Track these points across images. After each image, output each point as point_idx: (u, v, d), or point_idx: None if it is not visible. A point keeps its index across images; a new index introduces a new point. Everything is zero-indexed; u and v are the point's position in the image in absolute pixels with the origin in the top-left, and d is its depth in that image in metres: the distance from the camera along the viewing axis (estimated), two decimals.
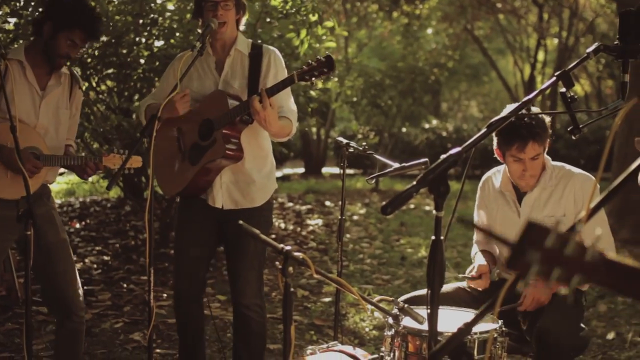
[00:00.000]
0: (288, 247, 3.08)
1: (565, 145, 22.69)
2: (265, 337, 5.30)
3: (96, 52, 8.68)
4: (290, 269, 3.06)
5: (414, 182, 2.59)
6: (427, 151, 22.81)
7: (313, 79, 4.63)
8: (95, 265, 9.17)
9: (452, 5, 23.33)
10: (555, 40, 29.11)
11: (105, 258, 9.61)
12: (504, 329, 3.85)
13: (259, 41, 6.86)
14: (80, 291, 5.08)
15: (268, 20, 8.51)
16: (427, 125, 26.15)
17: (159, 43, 8.70)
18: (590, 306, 7.94)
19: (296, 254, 3.11)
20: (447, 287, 4.79)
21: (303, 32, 7.98)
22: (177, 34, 8.46)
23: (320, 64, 4.58)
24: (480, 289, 4.66)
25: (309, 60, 4.68)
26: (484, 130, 2.85)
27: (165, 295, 7.87)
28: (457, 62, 23.89)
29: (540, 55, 30.14)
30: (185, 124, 5.06)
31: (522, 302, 4.47)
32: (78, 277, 5.10)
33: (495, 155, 4.70)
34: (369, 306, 3.75)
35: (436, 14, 20.14)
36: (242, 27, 5.15)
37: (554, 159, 4.75)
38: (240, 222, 3.27)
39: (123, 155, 5.00)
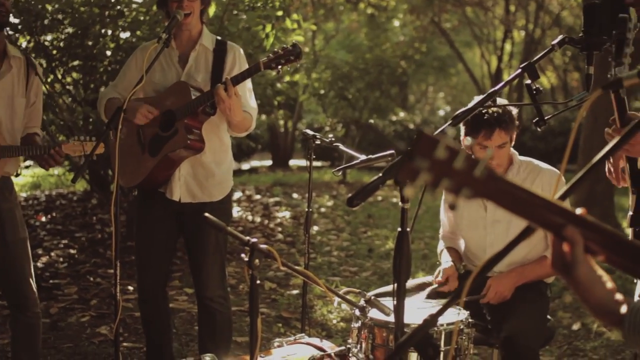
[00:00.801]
0: (254, 240, 3.08)
1: (531, 137, 22.83)
2: (231, 329, 5.30)
3: (61, 44, 8.60)
4: (257, 261, 3.05)
5: (380, 174, 2.60)
6: (395, 143, 22.86)
7: (279, 67, 4.62)
8: (61, 259, 9.09)
9: None
10: (522, 33, 29.25)
11: (72, 251, 9.54)
12: (470, 320, 3.86)
13: (226, 33, 6.84)
14: (35, 287, 5.04)
15: (235, 12, 8.48)
16: (394, 118, 26.19)
17: (125, 35, 8.64)
18: (556, 297, 8.00)
19: (262, 246, 3.10)
20: (414, 281, 4.81)
21: (268, 27, 7.96)
22: (143, 26, 8.39)
23: (287, 52, 4.58)
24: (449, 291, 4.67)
25: (275, 49, 4.67)
26: (449, 122, 2.85)
27: (132, 288, 7.82)
28: (424, 54, 23.94)
29: (507, 48, 30.26)
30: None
31: (485, 294, 4.50)
32: (33, 274, 5.07)
33: (463, 147, 4.70)
34: (336, 298, 3.74)
35: (402, 6, 20.14)
36: (207, 19, 5.14)
37: (520, 151, 4.77)
38: (206, 214, 3.26)
39: (84, 142, 4.94)
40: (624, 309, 1.78)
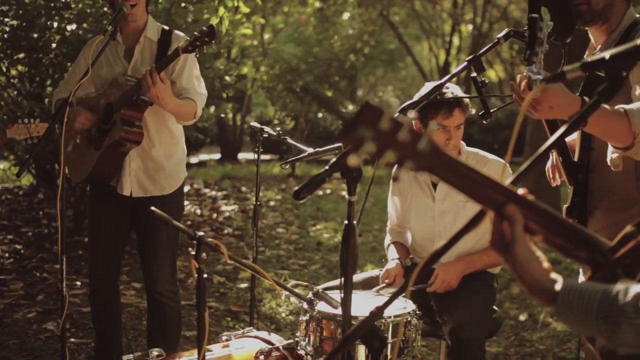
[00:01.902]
0: (201, 233, 3.06)
1: (479, 130, 23.00)
2: (180, 324, 5.29)
3: (6, 36, 8.48)
4: (204, 255, 3.04)
5: (327, 167, 2.60)
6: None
7: (196, 49, 4.61)
8: (7, 254, 8.98)
9: None
10: (470, 27, 29.44)
11: (18, 247, 9.41)
12: (418, 312, 3.88)
13: (173, 26, 6.79)
14: None
15: (183, 5, 8.42)
16: (343, 111, 26.23)
17: (71, 27, 8.52)
18: (503, 288, 8.08)
19: (209, 240, 3.09)
20: (364, 274, 4.81)
21: (222, 10, 7.85)
22: (90, 18, 8.30)
23: (203, 34, 4.56)
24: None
25: (195, 33, 4.65)
26: (395, 114, 2.86)
27: (79, 283, 7.76)
28: (373, 47, 23.94)
29: (455, 41, 30.45)
30: (93, 110, 5.01)
31: (431, 282, 4.52)
32: None
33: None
34: (284, 292, 3.74)
35: (351, 0, 20.14)
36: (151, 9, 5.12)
37: (468, 143, 4.80)
38: (152, 208, 3.24)
39: (29, 125, 4.89)
40: (558, 286, 1.82)
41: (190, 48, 4.59)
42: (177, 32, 5.11)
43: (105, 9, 5.26)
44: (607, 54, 1.87)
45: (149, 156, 5.01)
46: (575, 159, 3.56)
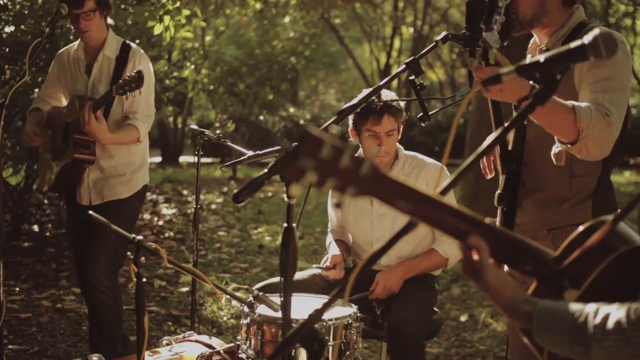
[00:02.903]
0: (140, 237, 3.05)
1: (420, 132, 23.20)
2: (120, 326, 5.26)
3: None
4: (143, 259, 3.02)
5: (266, 170, 2.59)
6: (285, 139, 22.87)
7: (128, 92, 4.69)
8: None
9: None
10: (411, 29, 29.65)
11: None
12: (358, 314, 3.90)
13: (113, 28, 6.73)
14: None
15: (123, 7, 8.34)
16: (284, 113, 26.23)
17: (9, 29, 8.42)
18: (444, 289, 8.14)
19: (148, 243, 3.07)
20: (302, 274, 4.80)
21: (167, 19, 7.80)
22: (28, 20, 8.19)
23: (132, 79, 4.67)
24: (335, 278, 4.69)
25: (127, 75, 4.72)
26: (333, 118, 2.87)
27: (17, 289, 7.65)
28: (314, 50, 24.02)
29: (396, 44, 30.65)
30: (57, 124, 5.18)
31: (373, 289, 4.54)
32: None
33: (351, 138, 4.72)
34: (224, 295, 3.73)
35: (292, 2, 20.14)
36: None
37: (409, 146, 4.83)
38: (90, 212, 3.23)
39: None
40: (532, 307, 1.82)
41: (121, 91, 4.66)
42: (135, 48, 5.11)
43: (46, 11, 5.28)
44: (542, 57, 1.89)
45: (107, 167, 5.14)
46: (509, 148, 3.61)
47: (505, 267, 1.91)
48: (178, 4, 8.27)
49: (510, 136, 3.62)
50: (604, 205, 3.52)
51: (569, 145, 3.16)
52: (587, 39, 1.82)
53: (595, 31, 1.83)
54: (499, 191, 3.61)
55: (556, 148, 3.33)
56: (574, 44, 1.85)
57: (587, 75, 3.31)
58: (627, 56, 3.35)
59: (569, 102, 3.11)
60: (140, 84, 4.66)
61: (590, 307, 1.75)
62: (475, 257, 1.82)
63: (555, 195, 3.54)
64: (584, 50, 1.83)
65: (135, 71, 4.68)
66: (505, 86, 2.91)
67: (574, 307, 1.78)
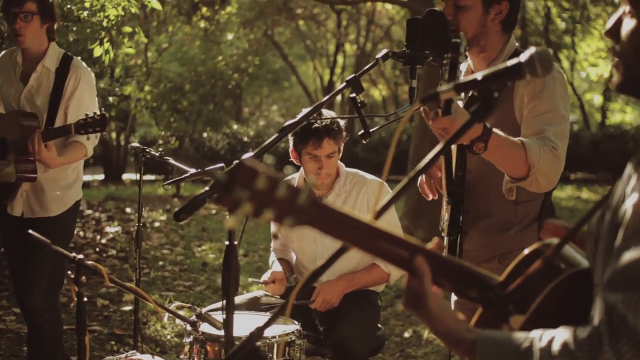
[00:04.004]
0: (80, 256, 3.02)
1: (363, 149, 23.27)
2: (61, 347, 5.19)
3: None
4: (84, 278, 3.00)
5: (206, 188, 2.59)
6: (229, 156, 22.82)
7: (88, 133, 4.66)
8: None
9: (252, 10, 23.45)
10: (354, 46, 29.81)
11: None
12: (302, 331, 3.90)
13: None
14: None
15: (64, 24, 8.27)
16: (228, 130, 26.17)
17: None
18: (388, 305, 8.17)
19: (89, 262, 3.05)
20: (248, 294, 4.81)
21: (107, 44, 7.78)
22: None
23: (95, 122, 4.61)
24: (276, 294, 4.69)
25: (87, 114, 4.65)
26: (276, 135, 2.87)
27: None
28: (258, 67, 23.99)
29: (339, 61, 30.78)
30: None
31: (314, 299, 4.55)
32: None
33: (292, 159, 4.74)
34: (166, 314, 3.71)
35: (235, 20, 20.11)
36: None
37: (352, 163, 4.86)
38: (30, 231, 3.19)
39: None
40: (473, 337, 1.80)
41: (83, 132, 4.62)
42: (76, 60, 5.06)
43: None
44: (479, 75, 1.92)
45: (41, 180, 5.01)
46: (452, 177, 3.63)
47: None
48: (115, 21, 8.24)
49: (453, 165, 3.65)
50: None
51: (520, 180, 3.21)
52: (523, 57, 1.85)
53: (531, 50, 1.86)
54: (444, 221, 3.63)
55: (507, 183, 3.37)
56: (511, 62, 1.87)
57: (528, 107, 3.37)
58: (565, 87, 3.43)
59: (518, 139, 3.16)
60: (103, 128, 4.63)
61: (535, 333, 1.74)
62: (418, 284, 1.81)
63: (501, 222, 3.57)
64: (520, 68, 1.85)
65: (99, 114, 4.64)
66: (456, 126, 2.94)
67: (517, 335, 1.77)
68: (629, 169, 1.73)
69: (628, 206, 1.65)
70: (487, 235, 3.60)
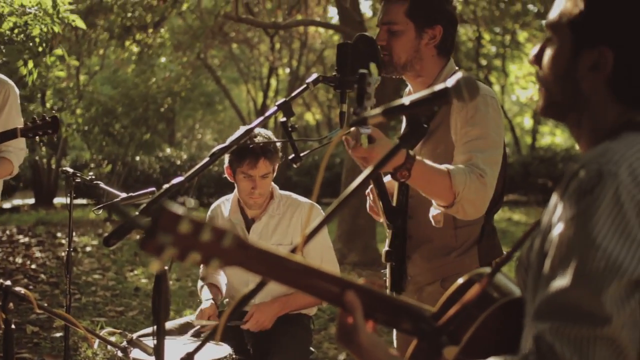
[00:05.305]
0: (8, 283, 2.98)
1: (297, 172, 23.30)
2: None
3: None
4: (11, 305, 2.96)
5: (137, 212, 2.57)
6: (162, 180, 22.67)
7: (37, 137, 4.58)
8: None
9: (185, 34, 23.39)
10: (287, 70, 29.90)
11: None
12: (234, 355, 3.89)
13: None
14: None
15: None
16: (161, 154, 26.03)
17: None
18: (322, 329, 8.17)
19: (17, 289, 3.01)
20: (180, 320, 4.79)
21: (30, 63, 7.72)
22: None
23: (45, 125, 4.53)
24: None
25: (35, 117, 4.59)
26: (206, 159, 2.87)
27: None
28: (191, 90, 23.94)
29: (273, 84, 30.86)
30: None
31: (246, 320, 4.53)
32: None
33: (226, 175, 4.72)
34: (97, 340, 3.67)
35: (167, 44, 20.04)
36: None
37: (286, 186, 4.87)
38: None
39: None
40: None
41: (31, 135, 4.54)
42: (4, 78, 5.00)
43: None
44: (407, 100, 1.94)
45: None
46: (394, 203, 3.64)
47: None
48: (42, 47, 8.18)
49: (395, 190, 3.66)
50: (490, 250, 3.59)
51: (446, 208, 3.23)
52: (449, 82, 1.87)
53: (458, 75, 1.88)
54: (385, 249, 3.65)
55: (434, 210, 3.40)
56: (438, 87, 1.89)
57: (460, 133, 3.35)
58: (498, 112, 3.40)
59: (444, 166, 3.17)
60: (55, 131, 4.56)
61: None
62: (349, 319, 1.80)
63: (442, 246, 3.58)
64: (447, 93, 1.87)
65: (50, 116, 4.57)
66: (375, 155, 2.96)
67: None
68: (554, 198, 1.76)
69: (554, 235, 1.67)
70: (429, 260, 3.60)
